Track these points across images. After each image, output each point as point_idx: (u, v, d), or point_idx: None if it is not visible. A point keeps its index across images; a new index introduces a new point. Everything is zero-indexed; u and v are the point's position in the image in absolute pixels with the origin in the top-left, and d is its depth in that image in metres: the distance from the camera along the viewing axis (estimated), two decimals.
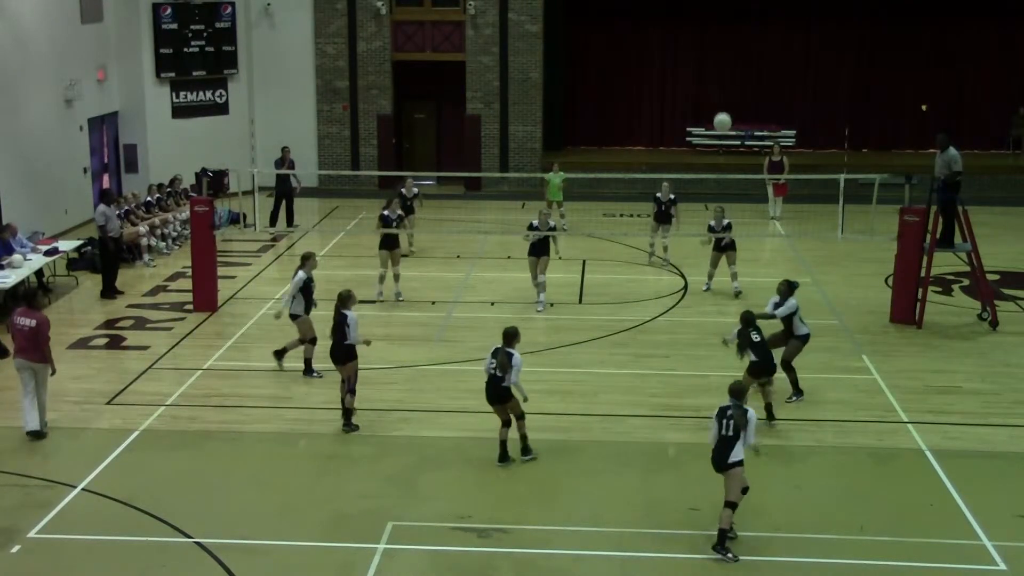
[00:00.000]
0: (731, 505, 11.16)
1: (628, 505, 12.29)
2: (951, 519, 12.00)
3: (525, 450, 13.30)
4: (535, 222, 19.38)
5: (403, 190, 22.31)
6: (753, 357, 13.97)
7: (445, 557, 11.18)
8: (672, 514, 12.07)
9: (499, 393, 12.94)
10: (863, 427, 14.41)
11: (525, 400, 13.14)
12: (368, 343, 14.46)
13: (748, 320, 14.07)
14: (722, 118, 24.19)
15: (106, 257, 20.32)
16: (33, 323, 13.93)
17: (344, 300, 14.19)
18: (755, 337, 13.99)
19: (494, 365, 12.83)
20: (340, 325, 14.02)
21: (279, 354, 16.31)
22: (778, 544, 11.45)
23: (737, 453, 11.11)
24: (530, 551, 11.27)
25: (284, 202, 25.32)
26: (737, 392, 11.32)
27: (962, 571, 11.06)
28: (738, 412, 11.14)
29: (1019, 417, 14.82)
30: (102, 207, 20.54)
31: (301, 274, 15.89)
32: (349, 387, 14.13)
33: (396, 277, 19.82)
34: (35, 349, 13.95)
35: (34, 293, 15.32)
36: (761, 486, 12.79)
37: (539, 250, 19.16)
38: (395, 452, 13.63)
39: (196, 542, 11.37)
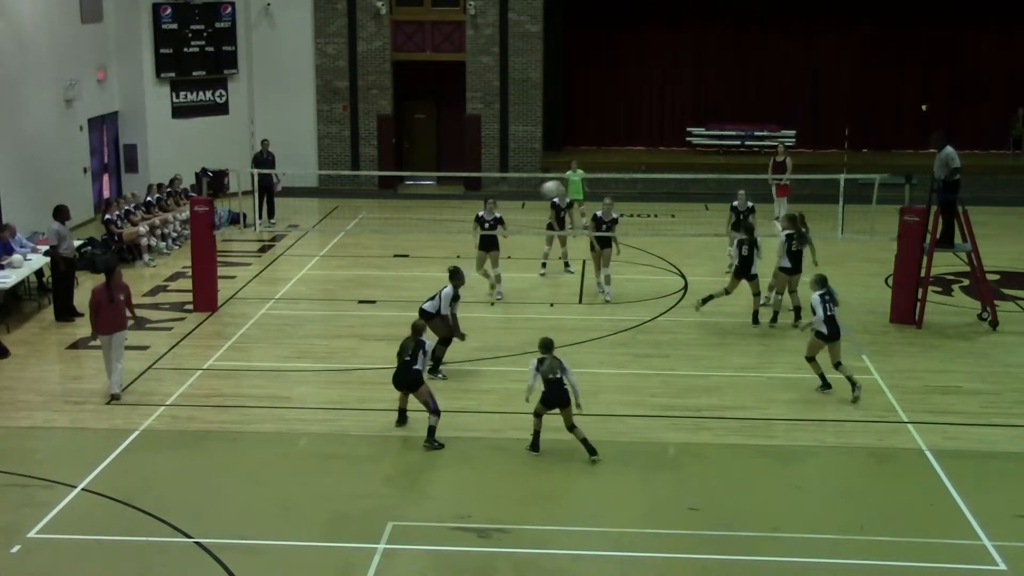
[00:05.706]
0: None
1: (628, 505, 12.29)
2: (951, 519, 11.99)
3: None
4: (482, 214, 19.91)
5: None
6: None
7: (445, 557, 11.18)
8: (672, 514, 12.07)
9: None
10: (863, 427, 14.40)
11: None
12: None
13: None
14: (548, 186, 21.91)
15: (57, 278, 19.08)
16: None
17: (419, 329, 14.07)
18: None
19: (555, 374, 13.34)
20: (415, 352, 13.79)
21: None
22: (778, 544, 11.44)
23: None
24: (530, 551, 11.26)
25: (266, 196, 25.34)
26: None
27: (962, 571, 11.06)
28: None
29: (1019, 417, 14.82)
30: (55, 225, 18.97)
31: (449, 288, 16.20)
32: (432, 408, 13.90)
33: (497, 278, 19.97)
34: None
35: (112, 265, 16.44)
36: (761, 486, 12.83)
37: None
38: (395, 452, 13.63)
39: (196, 542, 11.36)
